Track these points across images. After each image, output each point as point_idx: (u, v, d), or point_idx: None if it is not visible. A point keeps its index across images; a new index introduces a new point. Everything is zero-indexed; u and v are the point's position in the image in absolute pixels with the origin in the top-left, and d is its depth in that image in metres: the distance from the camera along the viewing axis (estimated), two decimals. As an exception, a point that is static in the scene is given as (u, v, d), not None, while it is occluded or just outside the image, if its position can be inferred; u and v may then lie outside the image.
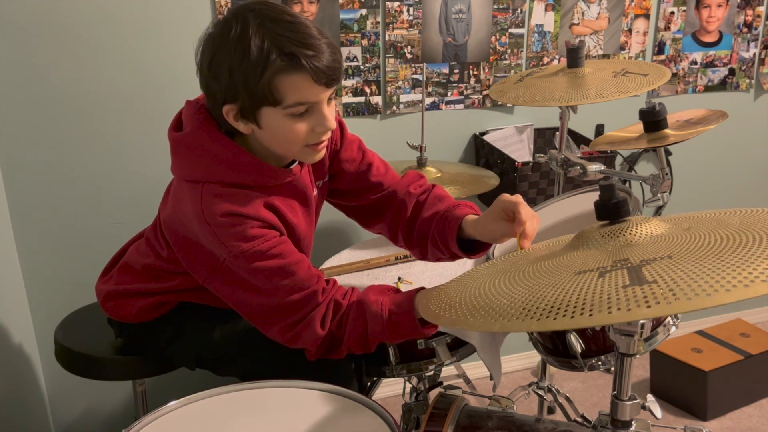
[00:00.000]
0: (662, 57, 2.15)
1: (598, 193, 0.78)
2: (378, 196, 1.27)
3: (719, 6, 2.16)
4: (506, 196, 1.10)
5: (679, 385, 2.06)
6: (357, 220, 1.33)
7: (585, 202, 1.44)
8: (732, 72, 2.26)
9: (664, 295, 0.58)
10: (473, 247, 1.19)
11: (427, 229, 1.21)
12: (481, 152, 1.95)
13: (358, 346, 1.09)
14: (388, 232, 1.29)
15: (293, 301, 1.05)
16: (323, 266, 1.36)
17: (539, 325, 0.62)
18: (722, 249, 0.65)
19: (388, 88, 1.86)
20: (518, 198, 1.09)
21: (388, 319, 1.05)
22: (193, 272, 1.12)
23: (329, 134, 1.08)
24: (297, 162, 1.14)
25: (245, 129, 1.05)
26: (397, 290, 1.10)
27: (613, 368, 0.93)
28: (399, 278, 1.26)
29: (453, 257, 1.21)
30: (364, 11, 1.78)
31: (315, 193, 1.22)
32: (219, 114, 1.04)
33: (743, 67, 2.26)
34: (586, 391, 2.16)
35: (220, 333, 1.21)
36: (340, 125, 1.26)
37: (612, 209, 0.77)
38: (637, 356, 0.87)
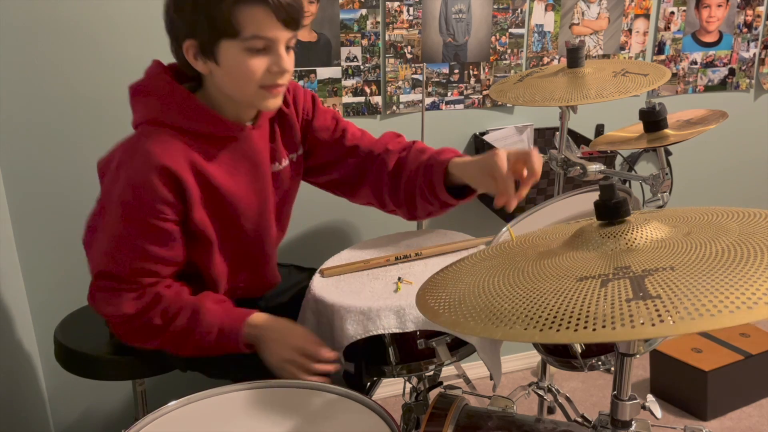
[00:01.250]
0: (662, 57, 2.15)
1: (598, 193, 0.78)
2: (357, 159, 1.27)
3: (719, 6, 2.16)
4: (498, 156, 1.09)
5: (679, 385, 2.06)
6: (342, 194, 1.34)
7: (585, 202, 1.44)
8: (732, 72, 2.26)
9: (669, 314, 0.58)
10: (462, 193, 1.20)
11: (413, 183, 1.22)
12: (481, 152, 1.95)
13: (173, 346, 1.14)
14: (373, 196, 1.29)
15: (127, 266, 1.09)
16: (323, 266, 1.36)
17: (542, 337, 0.62)
18: (723, 263, 0.64)
19: (388, 88, 1.86)
20: (502, 162, 1.08)
21: (217, 333, 1.11)
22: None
23: (286, 79, 1.09)
24: (253, 124, 1.16)
25: (204, 68, 1.07)
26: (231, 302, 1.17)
27: (613, 368, 0.93)
28: (399, 278, 1.25)
29: (443, 207, 1.23)
30: (364, 11, 1.78)
31: (285, 165, 1.22)
32: (181, 55, 1.07)
33: (743, 67, 2.26)
34: (586, 391, 2.16)
35: None
36: (313, 98, 1.28)
37: (612, 209, 0.76)
38: (637, 356, 0.87)
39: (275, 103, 1.11)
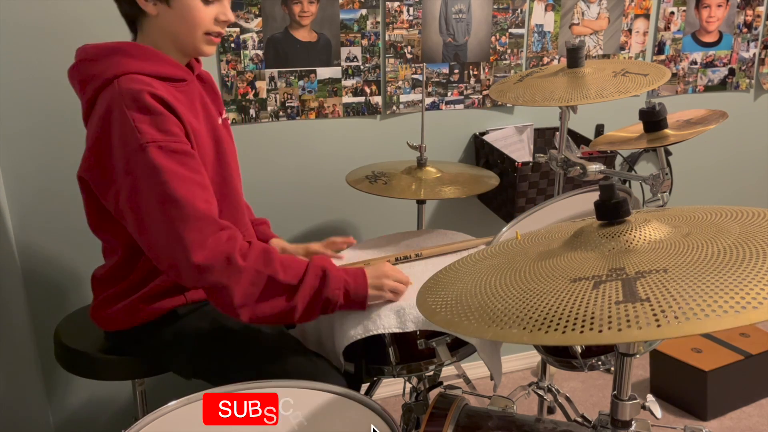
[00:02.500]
0: (662, 57, 2.15)
1: (598, 193, 0.78)
2: None
3: (719, 6, 2.16)
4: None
5: (679, 385, 2.06)
6: None
7: (585, 202, 1.44)
8: (732, 72, 2.26)
9: (657, 317, 0.58)
10: None
11: None
12: (481, 152, 1.95)
13: (305, 308, 1.10)
14: None
15: (198, 214, 1.05)
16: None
17: (531, 338, 0.62)
18: (719, 264, 0.64)
19: (388, 88, 1.86)
20: None
21: (345, 293, 1.12)
22: (107, 195, 1.11)
23: (225, 30, 1.18)
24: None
25: (153, 9, 1.11)
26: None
27: (613, 368, 0.93)
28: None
29: None
30: (364, 11, 1.78)
31: (220, 121, 1.27)
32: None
33: (743, 67, 2.26)
34: (586, 391, 2.16)
35: (218, 346, 1.21)
36: None
37: (612, 209, 0.76)
38: (637, 356, 0.87)
39: (212, 50, 1.19)
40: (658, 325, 0.58)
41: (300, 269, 1.11)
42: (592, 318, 0.61)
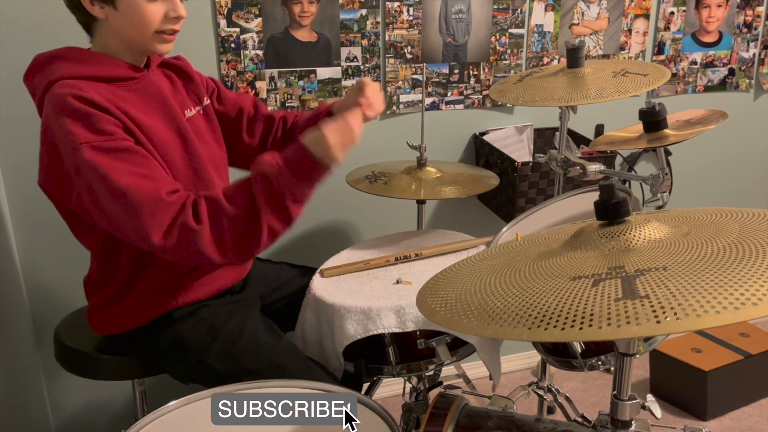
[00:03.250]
0: (662, 57, 2.15)
1: (598, 193, 0.78)
2: (262, 124, 1.42)
3: (719, 6, 2.16)
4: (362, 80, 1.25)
5: (679, 385, 2.06)
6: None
7: (585, 202, 1.44)
8: (732, 72, 2.26)
9: (656, 314, 0.58)
10: None
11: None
12: (481, 152, 1.95)
13: (279, 217, 1.07)
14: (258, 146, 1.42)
15: (145, 200, 1.03)
16: (323, 266, 1.36)
17: (530, 335, 0.63)
18: (718, 262, 0.64)
19: (388, 88, 1.86)
20: (367, 80, 1.25)
21: (285, 167, 1.06)
22: (65, 193, 1.12)
23: (180, 25, 1.15)
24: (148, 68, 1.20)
25: (100, 13, 1.10)
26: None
27: (612, 368, 0.93)
28: (398, 280, 1.25)
29: None
30: (364, 11, 1.78)
31: (194, 112, 1.27)
32: (76, 2, 1.10)
33: (743, 67, 2.26)
34: (586, 391, 2.16)
35: (215, 353, 1.21)
36: (214, 80, 1.39)
37: (611, 209, 0.76)
38: (637, 356, 0.87)
39: (168, 47, 1.16)
40: (657, 322, 0.58)
41: (243, 189, 1.07)
42: (592, 315, 0.61)
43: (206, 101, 1.32)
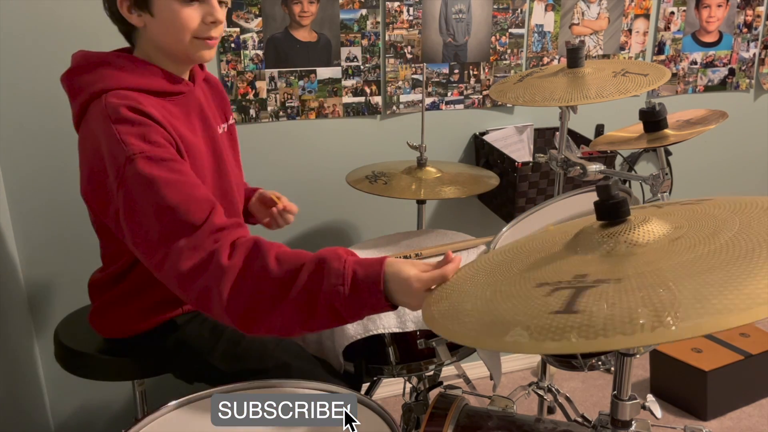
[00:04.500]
0: (662, 57, 2.15)
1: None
2: None
3: (719, 6, 2.16)
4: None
5: (679, 385, 2.06)
6: None
7: (585, 202, 1.44)
8: (732, 72, 2.26)
9: (576, 331, 0.58)
10: None
11: None
12: (481, 152, 1.96)
13: (300, 315, 0.92)
14: None
15: (190, 220, 0.98)
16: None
17: (475, 341, 0.64)
18: (720, 260, 0.63)
19: (388, 88, 1.86)
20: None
21: (351, 281, 0.90)
22: (103, 212, 1.09)
23: (219, 31, 1.12)
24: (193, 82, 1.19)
25: (138, 21, 1.09)
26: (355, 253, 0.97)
27: (613, 368, 0.93)
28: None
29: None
30: (364, 11, 1.78)
31: (223, 129, 1.25)
32: (115, 10, 1.09)
33: (743, 67, 2.26)
34: (586, 391, 2.16)
35: (219, 352, 1.21)
36: None
37: (611, 209, 0.76)
38: (637, 356, 0.87)
39: (210, 54, 1.14)
40: (573, 340, 0.58)
41: (295, 261, 0.94)
42: (523, 325, 0.61)
43: (231, 120, 1.32)
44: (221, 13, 1.11)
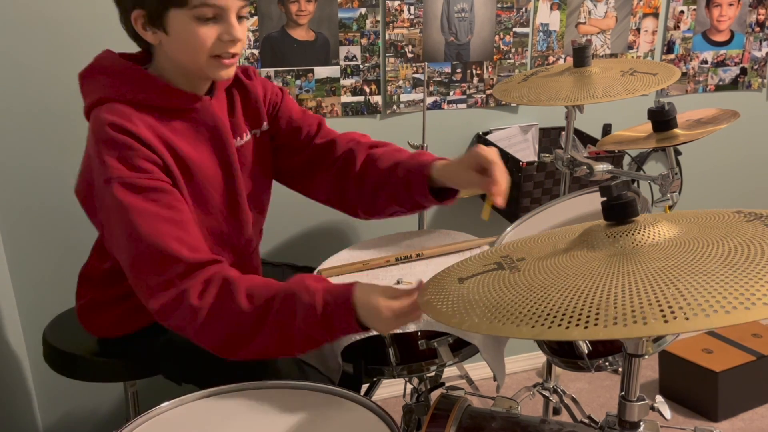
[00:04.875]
0: (671, 56, 2.17)
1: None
2: (322, 141, 1.29)
3: (730, 5, 2.18)
4: (482, 148, 1.10)
5: (689, 386, 2.08)
6: (301, 183, 1.33)
7: (591, 201, 1.46)
8: (744, 71, 2.28)
9: (663, 313, 0.60)
10: (441, 196, 1.20)
11: (384, 180, 1.22)
12: (485, 153, 1.97)
13: (278, 343, 0.99)
14: (334, 186, 1.29)
15: (159, 255, 0.99)
16: (321, 267, 1.37)
17: (534, 333, 0.65)
18: (728, 262, 0.65)
19: (389, 88, 1.88)
20: (493, 155, 1.09)
21: (321, 309, 0.97)
22: (92, 211, 1.11)
23: (238, 49, 1.09)
24: (210, 95, 1.16)
25: (153, 39, 1.08)
26: (329, 281, 1.04)
27: (620, 369, 0.94)
28: (398, 280, 1.26)
29: (412, 209, 1.22)
30: (363, 10, 1.80)
31: (247, 139, 1.23)
32: (129, 26, 1.08)
33: (755, 67, 2.28)
34: (593, 392, 2.17)
35: (209, 354, 1.21)
36: (281, 89, 1.31)
37: (619, 209, 0.77)
38: (646, 357, 0.87)
39: (228, 73, 1.12)
40: (665, 321, 0.59)
41: (266, 295, 0.99)
42: (597, 313, 0.62)
43: (265, 126, 1.27)
44: (240, 31, 1.08)
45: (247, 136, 1.23)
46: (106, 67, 1.12)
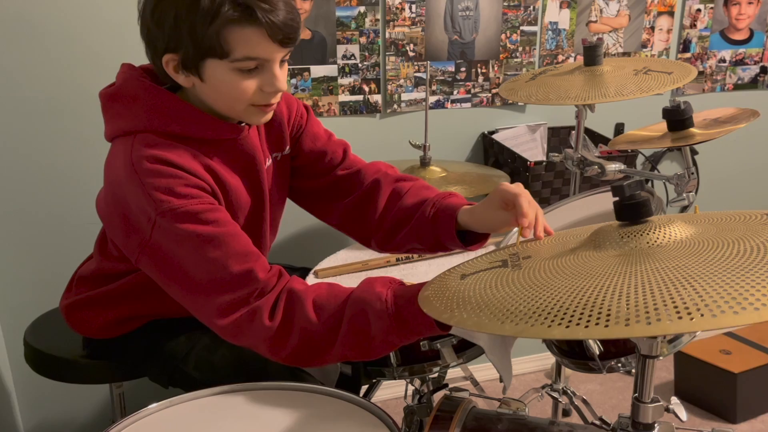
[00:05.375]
0: (687, 55, 2.18)
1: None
2: (346, 172, 1.27)
3: (750, 3, 2.20)
4: (506, 185, 1.09)
5: (707, 388, 2.09)
6: (314, 206, 1.31)
7: (603, 201, 1.46)
8: (764, 70, 2.29)
9: (678, 311, 0.60)
10: (466, 238, 1.18)
11: (408, 216, 1.20)
12: (490, 151, 1.98)
13: (355, 351, 1.01)
14: (349, 216, 1.27)
15: (229, 277, 0.99)
16: (319, 267, 1.37)
17: (542, 332, 0.66)
18: (743, 262, 0.65)
19: (389, 87, 1.90)
20: (518, 187, 1.08)
21: (394, 315, 0.97)
22: (125, 250, 1.07)
23: (279, 97, 1.08)
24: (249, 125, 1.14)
25: (185, 82, 1.05)
26: (400, 282, 1.04)
27: (633, 370, 0.94)
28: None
29: (433, 249, 1.20)
30: (362, 8, 1.83)
31: (268, 164, 1.21)
32: (159, 65, 1.05)
33: (775, 65, 2.30)
34: (605, 393, 2.16)
35: (194, 360, 1.21)
36: (306, 107, 1.28)
37: (631, 209, 0.78)
38: (660, 358, 0.87)
39: (265, 119, 1.11)
40: (680, 318, 0.59)
41: (336, 309, 1.00)
42: (608, 313, 0.63)
43: (287, 150, 1.25)
44: (283, 81, 1.05)
45: (269, 161, 1.22)
46: (136, 94, 1.07)
